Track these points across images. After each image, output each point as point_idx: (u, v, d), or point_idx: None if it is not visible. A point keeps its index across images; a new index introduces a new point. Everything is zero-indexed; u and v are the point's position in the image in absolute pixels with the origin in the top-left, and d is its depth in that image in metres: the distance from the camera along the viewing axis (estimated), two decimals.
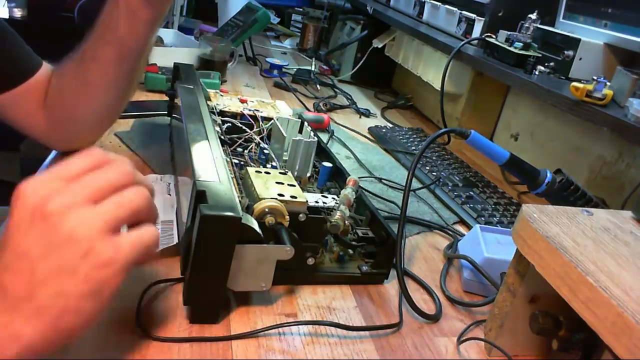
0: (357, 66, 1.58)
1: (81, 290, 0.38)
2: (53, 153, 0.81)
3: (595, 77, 0.78)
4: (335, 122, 1.22)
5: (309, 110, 1.25)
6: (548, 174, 0.77)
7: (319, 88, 1.48)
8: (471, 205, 0.87)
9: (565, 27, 1.01)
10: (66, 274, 0.37)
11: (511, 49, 0.99)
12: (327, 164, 0.76)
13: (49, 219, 0.38)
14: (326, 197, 0.67)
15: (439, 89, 1.16)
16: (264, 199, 0.56)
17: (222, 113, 0.82)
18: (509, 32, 1.02)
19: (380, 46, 1.53)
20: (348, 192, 0.66)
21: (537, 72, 0.94)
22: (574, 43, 0.93)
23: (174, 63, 0.89)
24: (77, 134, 0.78)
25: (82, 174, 0.41)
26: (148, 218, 0.44)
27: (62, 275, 0.37)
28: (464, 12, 1.19)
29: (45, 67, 0.76)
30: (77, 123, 0.76)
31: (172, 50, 1.37)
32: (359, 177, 0.81)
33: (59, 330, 0.38)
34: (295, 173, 0.72)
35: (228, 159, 0.72)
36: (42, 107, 0.74)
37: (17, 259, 0.37)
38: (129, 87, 0.76)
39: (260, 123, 0.83)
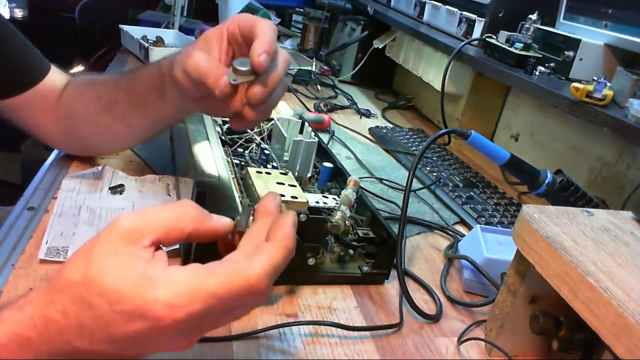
0: (358, 67, 1.58)
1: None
2: (55, 153, 0.81)
3: (595, 78, 0.78)
4: (336, 123, 1.22)
5: (309, 110, 1.25)
6: (548, 175, 0.77)
7: (319, 88, 1.48)
8: (471, 206, 0.87)
9: (565, 27, 1.01)
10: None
11: (511, 49, 0.99)
12: (328, 165, 0.76)
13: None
14: (327, 198, 0.67)
15: (440, 90, 1.16)
16: None
17: None
18: (509, 33, 1.02)
19: (380, 47, 1.53)
20: (349, 192, 0.66)
21: (537, 73, 0.94)
22: (574, 44, 0.93)
23: None
24: (87, 150, 0.79)
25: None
26: None
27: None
28: (464, 12, 1.19)
29: (55, 72, 0.74)
30: (89, 146, 0.77)
31: (173, 50, 1.37)
32: (360, 178, 0.81)
33: None
34: (296, 173, 0.73)
35: (229, 159, 0.72)
36: (52, 112, 0.73)
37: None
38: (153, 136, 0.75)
39: (261, 123, 0.83)
